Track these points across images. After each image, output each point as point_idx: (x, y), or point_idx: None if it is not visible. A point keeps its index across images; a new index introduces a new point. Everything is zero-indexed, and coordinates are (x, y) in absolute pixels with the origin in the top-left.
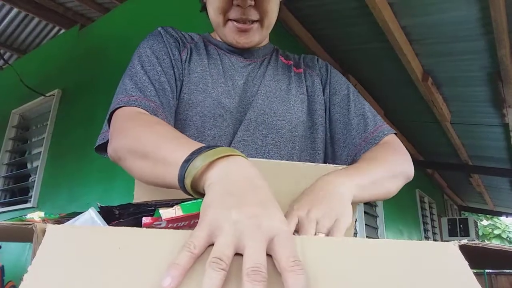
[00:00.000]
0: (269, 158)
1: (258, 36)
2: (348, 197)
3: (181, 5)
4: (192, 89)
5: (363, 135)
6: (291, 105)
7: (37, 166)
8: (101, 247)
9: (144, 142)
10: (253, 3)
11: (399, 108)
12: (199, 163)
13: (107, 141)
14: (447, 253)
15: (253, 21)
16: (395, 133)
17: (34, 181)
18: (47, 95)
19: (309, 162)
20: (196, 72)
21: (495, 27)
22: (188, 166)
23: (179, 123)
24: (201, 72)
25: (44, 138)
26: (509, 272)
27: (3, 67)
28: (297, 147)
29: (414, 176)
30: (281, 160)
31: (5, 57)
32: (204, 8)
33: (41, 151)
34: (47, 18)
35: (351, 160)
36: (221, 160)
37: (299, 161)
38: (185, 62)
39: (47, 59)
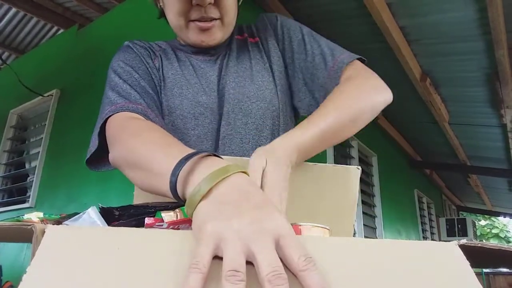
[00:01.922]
0: (253, 143)
1: (220, 34)
2: (285, 161)
3: None
4: (169, 95)
5: (325, 72)
6: (260, 82)
7: (35, 166)
8: (100, 247)
9: (136, 153)
10: (212, 1)
11: (398, 109)
12: (198, 192)
13: (96, 153)
14: (448, 253)
15: (214, 19)
16: (359, 59)
17: (32, 181)
18: (45, 95)
19: (291, 126)
20: (169, 78)
21: (492, 27)
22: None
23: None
24: (173, 76)
25: (42, 138)
26: (507, 272)
27: (1, 67)
28: (276, 122)
29: (412, 176)
30: (266, 141)
31: (3, 57)
32: (162, 14)
33: (39, 151)
34: (46, 18)
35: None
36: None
37: (284, 132)
38: (159, 70)
39: (46, 59)
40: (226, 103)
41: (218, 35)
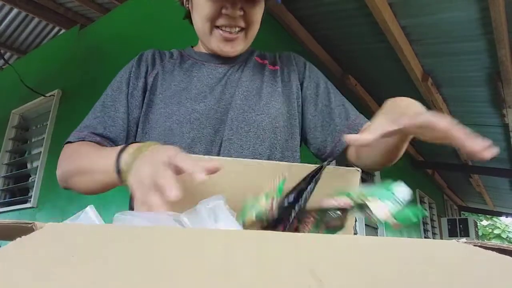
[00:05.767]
0: (253, 150)
1: (242, 46)
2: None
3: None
4: (168, 102)
5: (346, 122)
6: (268, 99)
7: (37, 166)
8: (92, 244)
9: (77, 163)
10: (242, 13)
11: None
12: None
13: None
14: (467, 250)
15: (239, 31)
16: None
17: (34, 181)
18: (47, 95)
19: (291, 149)
20: (171, 87)
21: (494, 27)
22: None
23: (161, 133)
24: (175, 86)
25: (44, 138)
26: None
27: (4, 67)
28: (279, 137)
29: (413, 176)
30: (265, 150)
31: (6, 57)
32: (188, 15)
33: (41, 151)
34: (47, 19)
35: (334, 145)
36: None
37: (282, 149)
38: (154, 80)
39: (47, 59)
40: (231, 111)
41: (239, 47)
